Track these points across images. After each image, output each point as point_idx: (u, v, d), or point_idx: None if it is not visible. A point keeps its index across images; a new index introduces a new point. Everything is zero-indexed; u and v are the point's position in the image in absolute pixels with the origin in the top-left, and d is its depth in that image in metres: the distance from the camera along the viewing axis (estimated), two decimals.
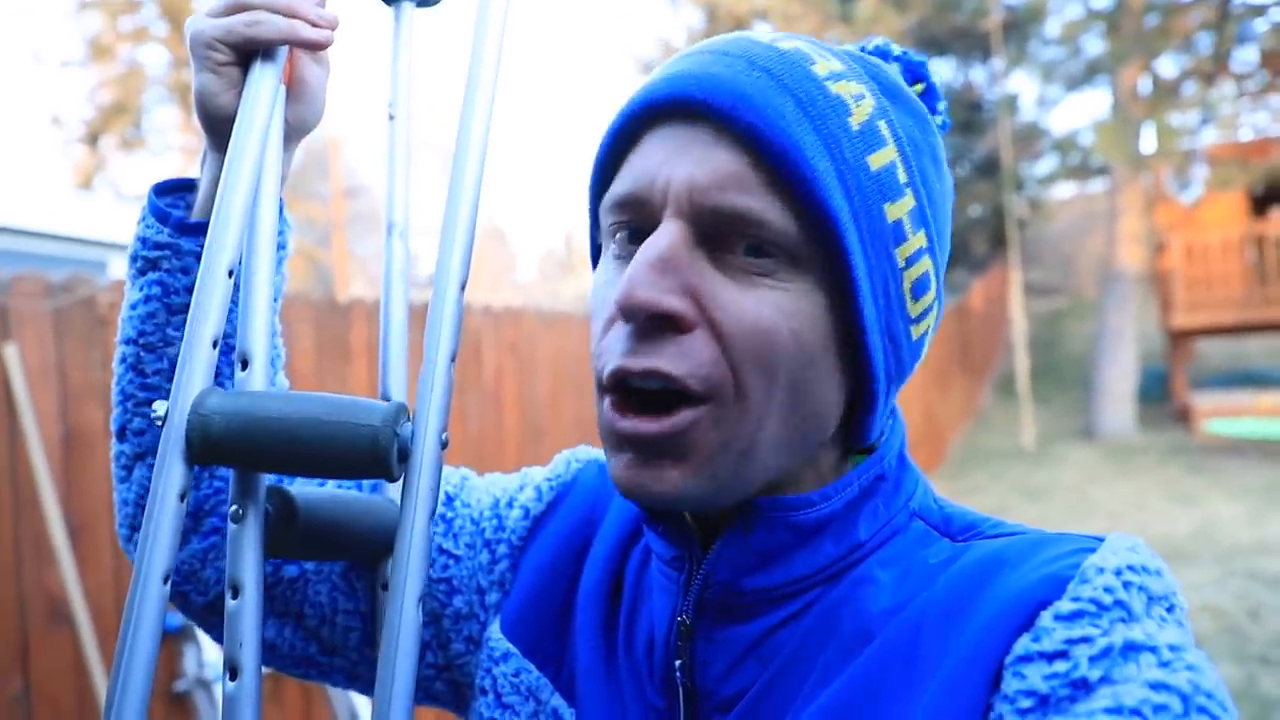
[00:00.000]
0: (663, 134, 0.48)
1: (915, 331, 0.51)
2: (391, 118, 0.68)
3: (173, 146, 15.00)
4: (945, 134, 0.57)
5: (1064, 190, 15.66)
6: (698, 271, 0.46)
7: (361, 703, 2.61)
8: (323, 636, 0.67)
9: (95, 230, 5.09)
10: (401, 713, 0.49)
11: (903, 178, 0.48)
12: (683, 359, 0.45)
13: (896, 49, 0.56)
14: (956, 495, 8.22)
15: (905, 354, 0.51)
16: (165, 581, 0.47)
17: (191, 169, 0.67)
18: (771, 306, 0.46)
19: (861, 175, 0.47)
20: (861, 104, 0.48)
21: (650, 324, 0.45)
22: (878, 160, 0.47)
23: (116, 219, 5.32)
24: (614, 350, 0.47)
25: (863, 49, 0.56)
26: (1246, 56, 10.09)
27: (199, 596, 0.67)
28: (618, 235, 0.51)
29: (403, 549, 0.50)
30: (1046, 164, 13.81)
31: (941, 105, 0.57)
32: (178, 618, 2.29)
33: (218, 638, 0.69)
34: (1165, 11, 9.86)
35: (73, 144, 14.99)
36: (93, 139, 14.73)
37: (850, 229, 0.46)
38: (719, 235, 0.46)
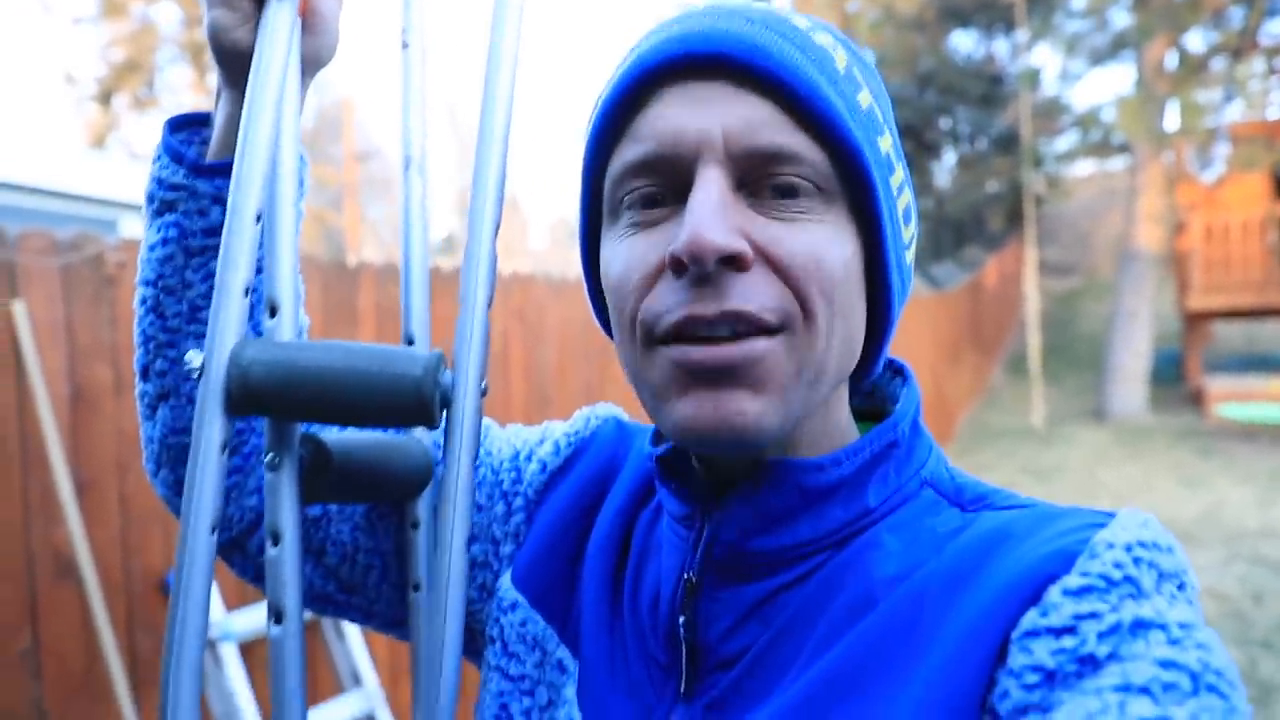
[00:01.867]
0: (677, 91, 0.48)
1: (908, 257, 0.54)
2: (405, 46, 0.66)
3: (185, 106, 14.94)
4: None
5: (1083, 167, 15.44)
6: (744, 214, 0.47)
7: (364, 663, 2.64)
8: (342, 575, 0.68)
9: (107, 189, 5.08)
10: (453, 651, 0.51)
11: (880, 117, 0.51)
12: (753, 295, 0.46)
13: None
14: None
15: (906, 278, 0.54)
16: (213, 532, 0.48)
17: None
18: (818, 237, 0.47)
19: (860, 112, 0.49)
20: (838, 52, 0.50)
21: (715, 268, 0.45)
22: (863, 100, 0.50)
23: (128, 178, 5.31)
24: (670, 304, 0.47)
25: None
26: (1277, 31, 9.85)
27: (222, 534, 0.68)
28: (634, 203, 0.50)
29: (449, 493, 0.51)
30: (1066, 140, 13.64)
31: None
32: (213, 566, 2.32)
33: (240, 572, 0.71)
34: None
35: (85, 102, 14.95)
36: (105, 97, 14.69)
37: (870, 160, 0.49)
38: (755, 179, 0.47)
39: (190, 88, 14.81)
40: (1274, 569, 5.25)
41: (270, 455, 0.51)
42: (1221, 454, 8.50)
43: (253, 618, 2.37)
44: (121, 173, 5.38)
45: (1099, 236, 17.72)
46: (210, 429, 0.48)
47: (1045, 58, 22.53)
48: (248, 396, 0.48)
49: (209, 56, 0.60)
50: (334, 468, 0.56)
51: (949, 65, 14.71)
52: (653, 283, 0.48)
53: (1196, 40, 10.33)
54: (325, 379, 0.48)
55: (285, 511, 0.51)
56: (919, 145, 14.45)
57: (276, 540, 0.51)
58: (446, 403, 0.50)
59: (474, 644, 0.68)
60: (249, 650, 2.44)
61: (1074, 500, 7.12)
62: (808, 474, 0.50)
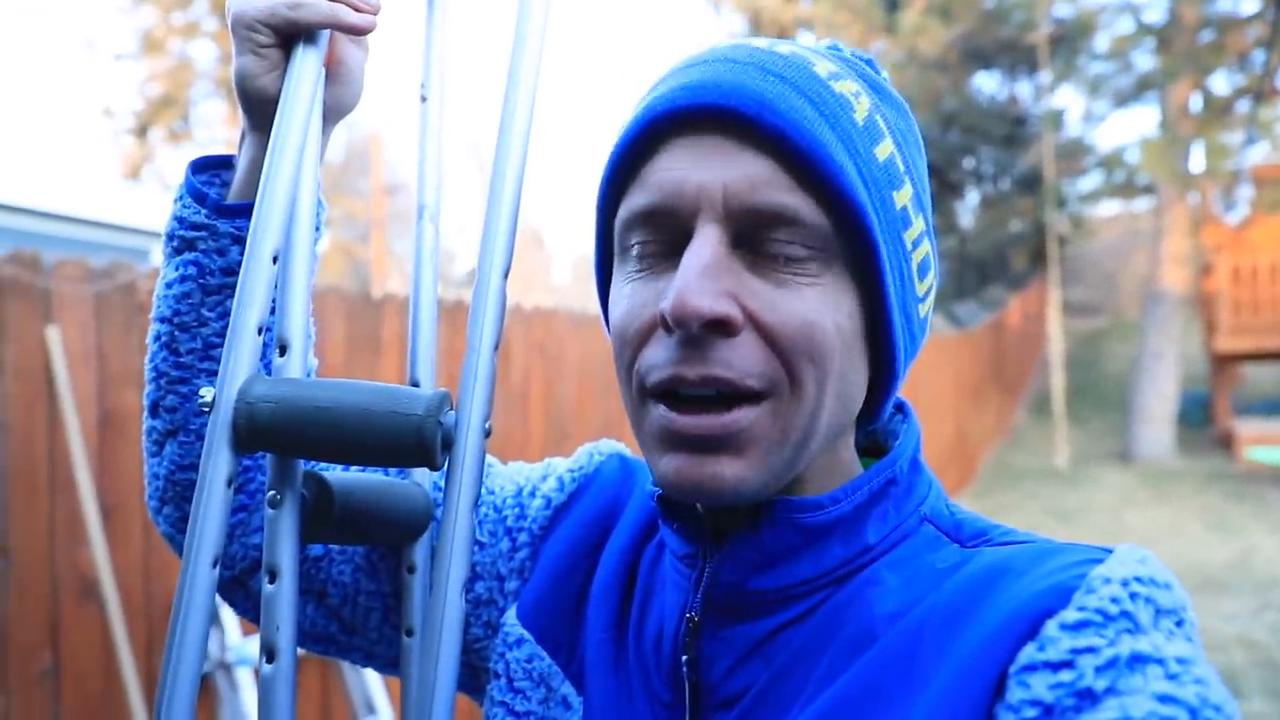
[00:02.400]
0: (683, 144, 0.48)
1: (922, 310, 0.54)
2: (424, 99, 0.68)
3: (218, 140, 15.29)
4: None
5: (1108, 208, 15.39)
6: (737, 275, 0.47)
7: (378, 691, 2.63)
8: (344, 615, 0.68)
9: (140, 219, 5.20)
10: (445, 701, 0.50)
11: (900, 167, 0.51)
12: (738, 362, 0.46)
13: (845, 50, 0.56)
14: (986, 514, 8.08)
15: (917, 331, 0.54)
16: (214, 566, 0.48)
17: None
18: (813, 301, 0.47)
19: (873, 167, 0.49)
20: (860, 100, 0.50)
21: (701, 331, 0.46)
22: (882, 152, 0.49)
23: (161, 209, 5.44)
24: (660, 361, 0.48)
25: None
26: None
27: (225, 570, 0.67)
28: (638, 251, 0.51)
29: (447, 537, 0.50)
30: (1090, 180, 13.57)
31: None
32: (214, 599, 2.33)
33: (241, 611, 0.71)
34: (1220, 27, 9.64)
35: (122, 135, 15.34)
36: (142, 130, 15.05)
37: (874, 219, 0.48)
38: (753, 238, 0.47)
39: (224, 122, 15.17)
40: None
41: (272, 493, 0.51)
42: (1253, 499, 8.32)
43: None
44: (155, 203, 5.52)
45: (1124, 277, 17.58)
46: (217, 463, 0.48)
47: (1069, 99, 22.52)
48: (254, 432, 0.48)
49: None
50: (336, 508, 0.56)
51: (972, 106, 14.76)
52: (648, 336, 0.49)
53: (1221, 82, 10.32)
54: (329, 417, 0.48)
55: (284, 550, 0.51)
56: (942, 184, 14.47)
57: (274, 578, 0.50)
58: (449, 444, 0.50)
59: (477, 680, 0.68)
60: None
61: (1099, 543, 6.93)
62: (807, 513, 0.50)
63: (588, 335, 3.97)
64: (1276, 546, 6.74)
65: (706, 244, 0.46)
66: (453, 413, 0.51)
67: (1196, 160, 10.11)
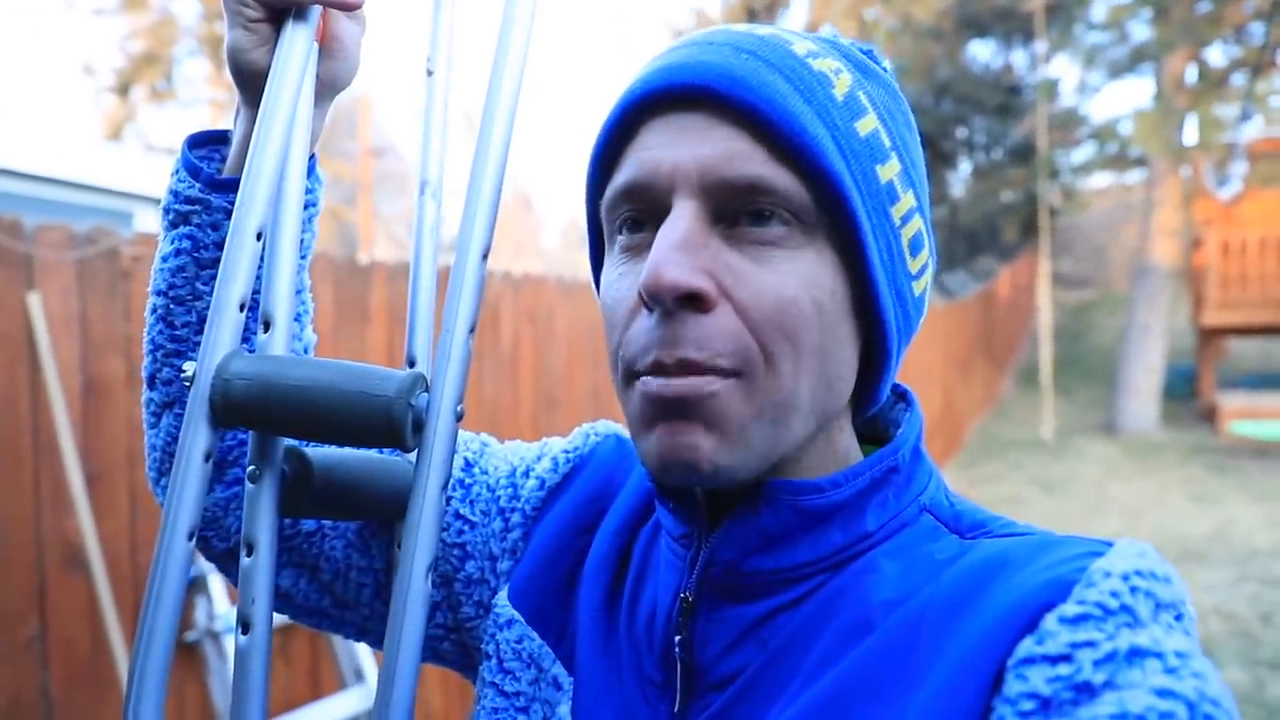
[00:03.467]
0: (660, 123, 0.49)
1: (916, 288, 0.53)
2: (430, 74, 0.67)
3: (202, 99, 15.04)
4: None
5: (1100, 180, 15.34)
6: (714, 250, 0.47)
7: (367, 659, 2.65)
8: (336, 590, 0.69)
9: (122, 181, 5.11)
10: (406, 680, 0.50)
11: (886, 142, 0.50)
12: (708, 341, 0.46)
13: (844, 40, 0.56)
14: (972, 484, 8.19)
15: (911, 310, 0.53)
16: (190, 539, 0.49)
17: (221, 122, 0.66)
18: (790, 276, 0.47)
19: (853, 140, 0.48)
20: (840, 76, 0.50)
21: (676, 305, 0.46)
22: (864, 126, 0.49)
23: (144, 170, 5.35)
24: (640, 341, 0.48)
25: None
26: None
27: (220, 542, 0.69)
28: (622, 228, 0.51)
29: (413, 519, 0.50)
30: (1083, 152, 13.55)
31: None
32: (190, 570, 2.33)
33: (235, 581, 0.71)
34: None
35: (103, 93, 15.05)
36: (123, 89, 14.77)
37: (853, 190, 0.48)
38: (730, 210, 0.47)
39: (208, 81, 14.90)
40: None
41: (251, 468, 0.52)
42: (1234, 471, 8.43)
43: None
44: (137, 165, 5.42)
45: (1114, 249, 17.62)
46: (195, 437, 0.49)
47: (1063, 69, 22.36)
48: (230, 408, 0.49)
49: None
50: (315, 483, 0.56)
51: (966, 75, 14.64)
52: (632, 318, 0.49)
53: (1217, 55, 10.27)
54: (302, 395, 0.48)
55: (262, 524, 0.51)
56: (935, 154, 14.39)
57: (251, 551, 0.51)
58: (420, 425, 0.50)
59: (470, 660, 0.68)
60: None
61: (1084, 514, 7.13)
62: (805, 495, 0.50)
63: (577, 302, 3.95)
64: (1255, 518, 6.85)
65: (682, 218, 0.46)
66: (425, 394, 0.51)
67: (1190, 133, 10.10)
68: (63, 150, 4.94)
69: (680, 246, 0.45)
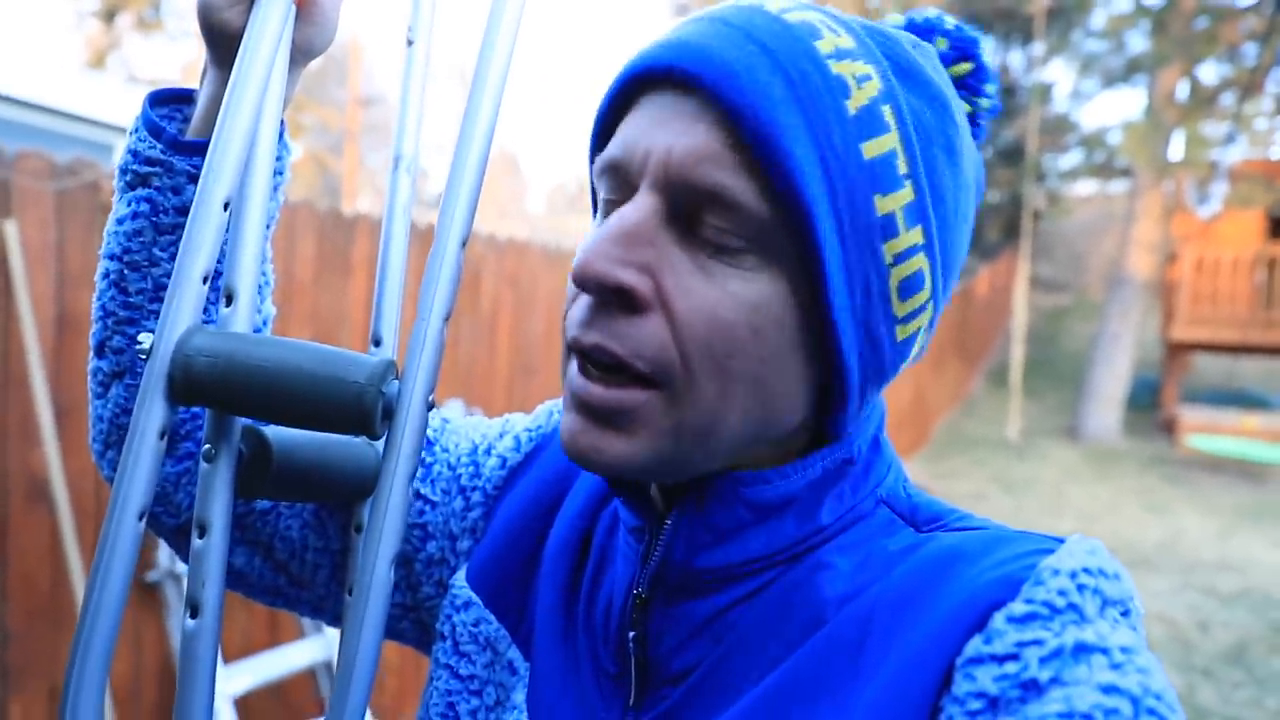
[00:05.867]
0: (654, 102, 0.46)
1: (901, 332, 0.48)
2: (410, 43, 0.65)
3: (190, 32, 14.67)
4: (993, 118, 0.55)
5: (1085, 187, 15.50)
6: (661, 250, 0.44)
7: None
8: (291, 570, 0.67)
9: (104, 111, 5.00)
10: (365, 674, 0.49)
11: (902, 168, 0.45)
12: (628, 338, 0.44)
13: (950, 22, 0.53)
14: (936, 479, 8.32)
15: (886, 355, 0.48)
16: (140, 518, 0.47)
17: None
18: (732, 297, 0.44)
19: (850, 163, 0.44)
20: (865, 86, 0.44)
21: (603, 297, 0.44)
22: (874, 148, 0.44)
23: (126, 102, 5.23)
24: (574, 318, 0.47)
25: (911, 21, 0.54)
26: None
27: (170, 519, 0.66)
28: (603, 202, 0.50)
29: (378, 509, 0.49)
30: (1071, 158, 13.67)
31: (990, 88, 0.55)
32: (138, 552, 2.33)
33: (185, 558, 0.68)
34: (1216, 15, 9.64)
35: (86, 19, 14.63)
36: (108, 16, 14.36)
37: (826, 219, 0.43)
38: (690, 213, 0.45)
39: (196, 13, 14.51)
40: (1224, 601, 5.37)
41: (207, 447, 0.50)
42: (1188, 483, 8.64)
43: None
44: (120, 96, 5.30)
45: (1093, 257, 17.84)
46: (150, 413, 0.47)
47: (1059, 74, 22.45)
48: (190, 386, 0.47)
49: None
50: (274, 465, 0.54)
51: None
52: (579, 294, 0.48)
53: (1210, 73, 10.37)
54: (269, 377, 0.46)
55: (216, 505, 0.50)
56: None
57: (203, 533, 0.49)
58: (390, 413, 0.49)
59: (428, 637, 0.67)
60: None
61: (1041, 515, 7.27)
62: (753, 488, 0.48)
63: (560, 271, 3.95)
64: (1204, 531, 7.04)
65: (636, 210, 0.45)
66: (396, 382, 0.49)
67: (1176, 149, 10.20)
68: (43, 75, 4.81)
69: (620, 240, 0.44)
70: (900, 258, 0.46)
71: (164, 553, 2.41)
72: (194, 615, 0.49)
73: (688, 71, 0.44)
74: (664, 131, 0.45)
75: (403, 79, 0.65)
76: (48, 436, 2.18)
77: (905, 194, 0.45)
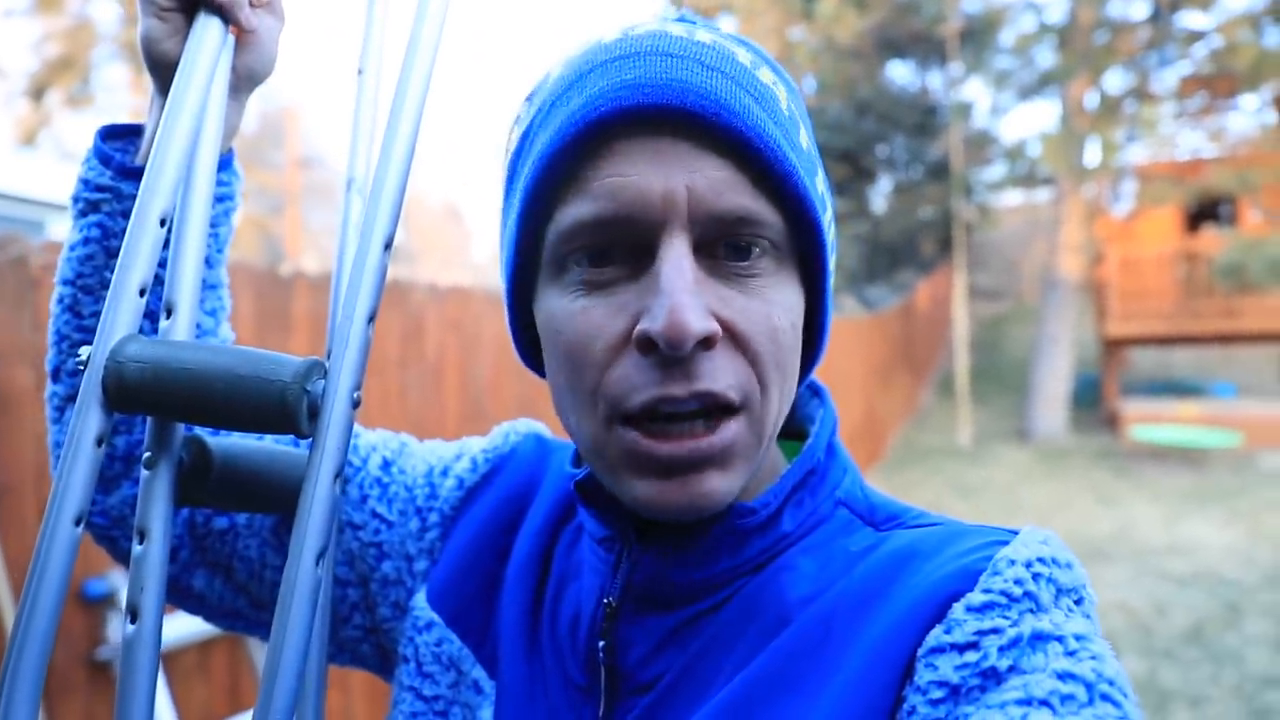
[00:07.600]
0: (635, 146, 0.45)
1: (832, 287, 0.54)
2: (360, 72, 0.68)
3: (122, 106, 14.54)
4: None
5: (1011, 197, 16.04)
6: (708, 286, 0.46)
7: None
8: (251, 590, 0.67)
9: (35, 189, 4.94)
10: (290, 670, 0.48)
11: (815, 152, 0.51)
12: (720, 375, 0.45)
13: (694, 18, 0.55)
14: (893, 491, 8.43)
15: (831, 309, 0.54)
16: (77, 524, 0.47)
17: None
18: (775, 305, 0.47)
19: (803, 157, 0.48)
20: (779, 89, 0.49)
21: (688, 350, 0.44)
22: (804, 140, 0.49)
23: (58, 178, 5.17)
24: (639, 382, 0.45)
25: (683, 17, 0.54)
26: (1173, 77, 10.50)
27: (127, 542, 0.66)
28: (580, 259, 0.48)
29: (304, 505, 0.49)
30: (996, 170, 14.12)
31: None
32: (102, 585, 2.29)
33: (121, 561, 0.69)
34: (1113, 29, 10.18)
35: (16, 98, 14.41)
36: (38, 93, 14.18)
37: (821, 214, 0.49)
38: (713, 243, 0.46)
39: (127, 87, 14.41)
40: (1177, 583, 5.52)
41: (148, 454, 0.50)
42: (1134, 474, 8.91)
43: (174, 628, 2.35)
44: (51, 172, 5.24)
45: (1025, 264, 18.42)
46: (87, 421, 0.48)
47: (977, 91, 23.29)
48: (123, 392, 0.48)
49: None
50: (214, 473, 0.55)
51: (885, 94, 15.09)
52: (616, 356, 0.46)
53: (1115, 81, 10.89)
54: (195, 379, 0.47)
55: (156, 511, 0.50)
56: (856, 171, 14.84)
57: (143, 539, 0.49)
58: (315, 412, 0.49)
59: (387, 662, 0.67)
60: (171, 660, 2.42)
61: (998, 516, 7.40)
62: (741, 518, 0.50)
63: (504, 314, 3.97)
64: (1152, 518, 7.25)
65: (683, 258, 0.45)
66: (322, 381, 0.49)
67: (1091, 154, 10.65)
68: None
69: (691, 290, 0.44)
70: (831, 226, 0.52)
71: (115, 628, 2.37)
72: (133, 620, 0.48)
73: (680, 108, 0.44)
74: (670, 172, 0.45)
75: (354, 107, 0.68)
76: None
77: (821, 173, 0.51)
